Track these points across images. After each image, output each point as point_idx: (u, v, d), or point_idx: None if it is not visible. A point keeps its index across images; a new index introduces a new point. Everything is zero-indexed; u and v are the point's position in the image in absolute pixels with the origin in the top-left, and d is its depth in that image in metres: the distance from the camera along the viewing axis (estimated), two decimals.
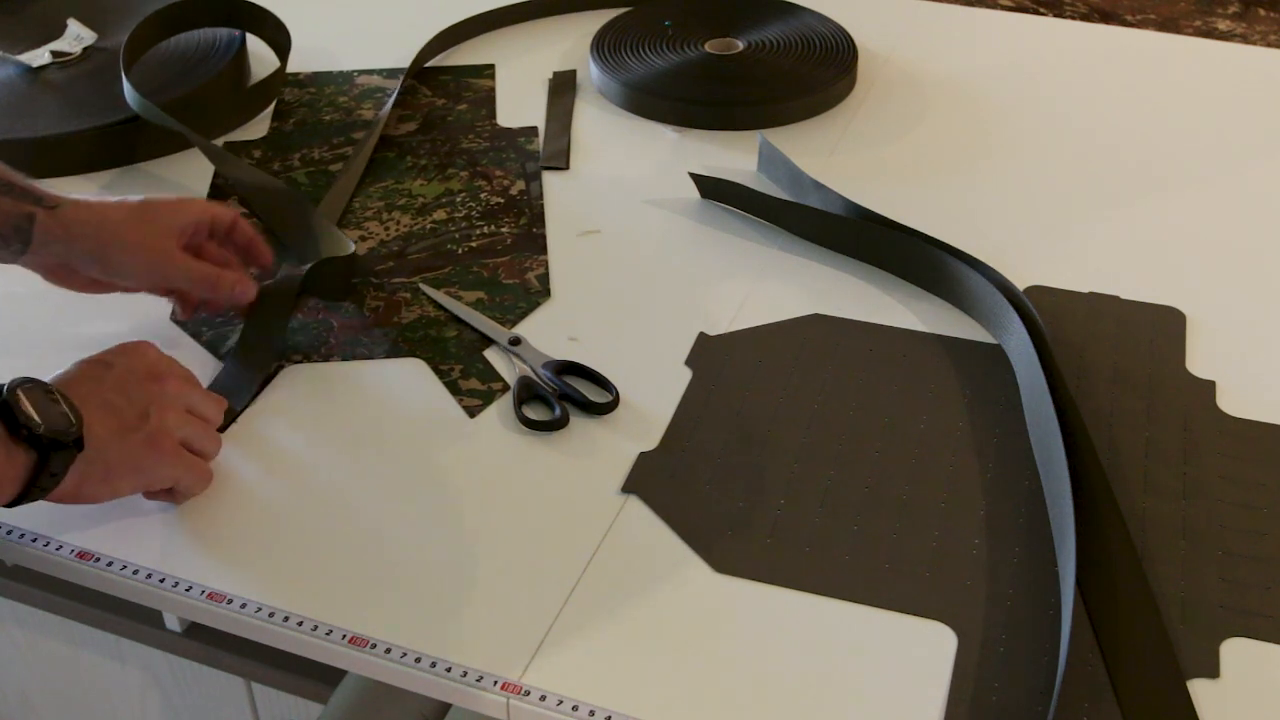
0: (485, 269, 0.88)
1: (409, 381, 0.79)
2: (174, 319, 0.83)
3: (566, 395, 0.76)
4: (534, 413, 0.75)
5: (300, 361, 0.80)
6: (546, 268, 0.88)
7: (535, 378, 0.77)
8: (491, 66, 1.15)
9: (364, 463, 0.73)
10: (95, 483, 0.64)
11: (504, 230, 0.92)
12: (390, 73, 1.13)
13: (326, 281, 0.85)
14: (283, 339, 0.81)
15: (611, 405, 0.75)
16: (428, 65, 1.15)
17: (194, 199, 0.81)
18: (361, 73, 1.14)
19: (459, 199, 0.96)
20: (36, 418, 0.59)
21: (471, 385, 0.78)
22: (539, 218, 0.94)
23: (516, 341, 0.80)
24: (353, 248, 0.87)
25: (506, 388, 0.78)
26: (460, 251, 0.90)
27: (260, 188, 0.95)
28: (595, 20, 1.18)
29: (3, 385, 0.60)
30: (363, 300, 0.85)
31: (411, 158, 1.01)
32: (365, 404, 0.77)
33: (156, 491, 0.68)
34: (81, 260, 0.76)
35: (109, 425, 0.63)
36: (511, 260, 0.89)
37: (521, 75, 1.13)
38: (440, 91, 1.11)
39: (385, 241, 0.91)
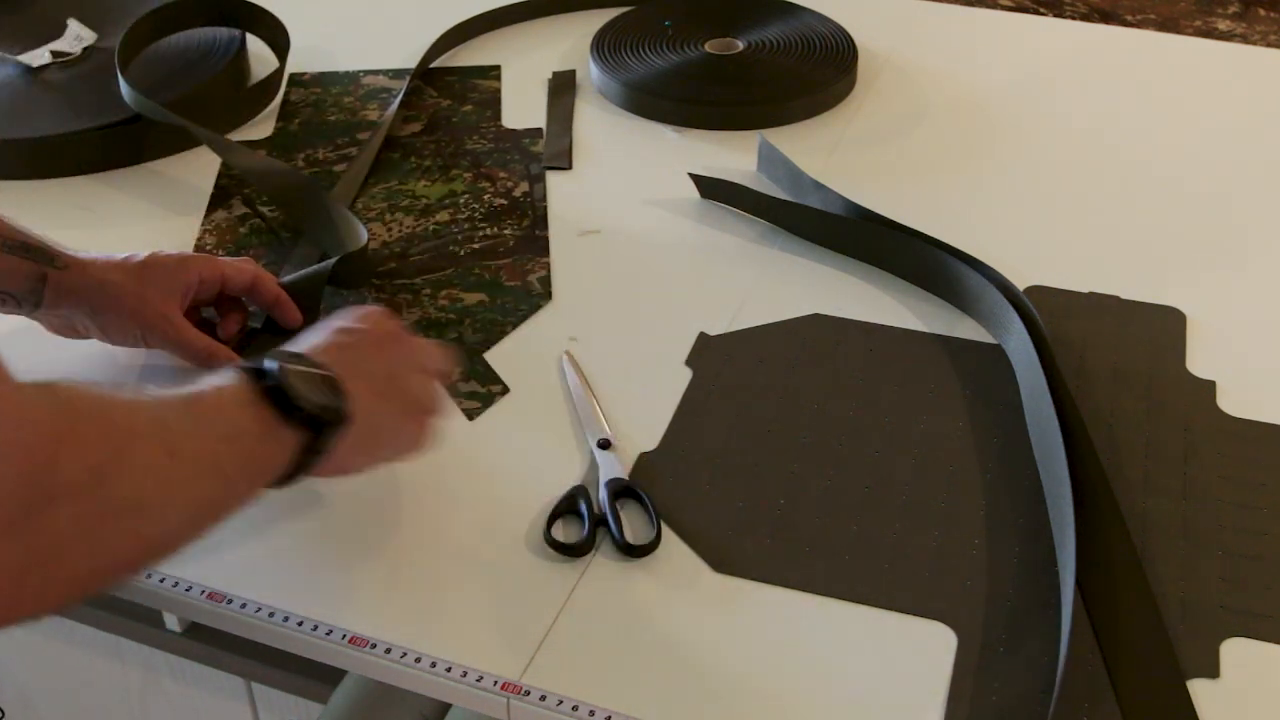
0: (487, 271, 0.88)
1: None
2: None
3: (605, 523, 0.68)
4: (561, 530, 0.68)
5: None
6: (548, 270, 0.88)
7: (589, 491, 0.69)
8: (498, 67, 1.15)
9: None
10: (358, 453, 0.62)
11: (506, 232, 0.92)
12: (396, 73, 1.13)
13: (349, 270, 0.84)
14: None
15: (649, 548, 0.66)
16: (434, 66, 1.15)
17: (201, 256, 0.77)
18: (367, 73, 1.14)
19: (462, 200, 0.96)
20: (309, 396, 0.57)
21: (471, 388, 0.78)
22: (541, 219, 0.94)
23: (606, 445, 0.72)
24: (366, 235, 0.87)
25: (505, 390, 0.78)
26: (462, 253, 0.90)
27: (269, 174, 0.95)
28: (595, 20, 1.18)
29: (273, 367, 0.57)
30: (364, 301, 0.85)
31: (416, 159, 1.01)
32: None
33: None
34: (82, 322, 0.75)
35: (367, 394, 0.61)
36: (513, 262, 0.89)
37: (526, 75, 1.13)
38: (446, 92, 1.11)
39: (388, 243, 0.91)
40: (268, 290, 0.78)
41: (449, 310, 0.84)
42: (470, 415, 0.76)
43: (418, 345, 0.68)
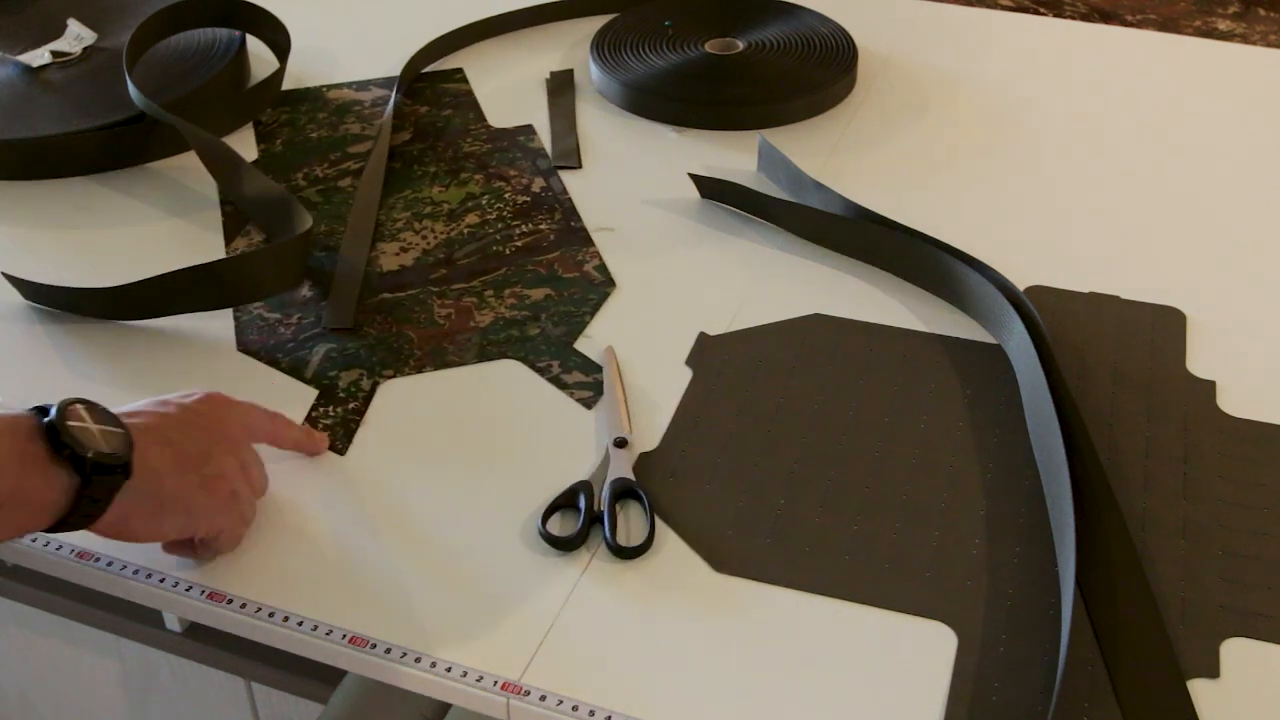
0: (540, 266, 0.88)
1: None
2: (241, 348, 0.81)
3: (601, 520, 0.68)
4: (558, 524, 0.69)
5: (392, 376, 0.79)
6: (601, 258, 0.89)
7: (593, 488, 0.70)
8: (460, 70, 1.14)
9: (365, 465, 0.73)
10: (143, 517, 0.61)
11: (542, 227, 0.92)
12: (360, 84, 1.12)
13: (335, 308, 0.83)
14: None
15: (639, 550, 0.67)
16: (393, 75, 1.13)
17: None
18: (330, 87, 1.12)
19: (484, 201, 0.96)
20: (83, 440, 0.57)
21: (576, 379, 0.78)
22: (572, 211, 0.94)
23: (623, 444, 0.72)
24: (308, 220, 0.87)
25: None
26: (508, 252, 0.90)
27: (262, 202, 0.93)
28: (583, 28, 1.18)
29: (53, 405, 0.57)
30: (431, 310, 0.85)
31: (419, 166, 1.01)
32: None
33: (181, 543, 0.65)
34: None
35: (166, 459, 0.61)
36: (562, 255, 0.89)
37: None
38: (419, 99, 1.10)
39: (428, 250, 0.91)
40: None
41: (519, 308, 0.84)
42: (588, 405, 0.76)
43: (245, 441, 0.67)
